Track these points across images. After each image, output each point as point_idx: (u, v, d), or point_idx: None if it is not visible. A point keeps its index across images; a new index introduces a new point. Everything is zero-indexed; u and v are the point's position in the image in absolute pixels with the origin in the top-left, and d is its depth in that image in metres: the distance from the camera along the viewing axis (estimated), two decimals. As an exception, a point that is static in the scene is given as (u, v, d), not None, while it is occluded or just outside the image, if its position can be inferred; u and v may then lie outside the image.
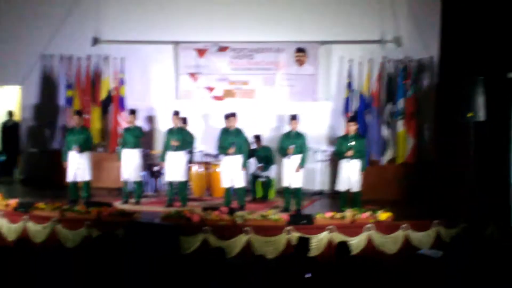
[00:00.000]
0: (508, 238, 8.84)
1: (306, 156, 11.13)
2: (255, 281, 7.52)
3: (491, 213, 9.56)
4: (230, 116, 11.23)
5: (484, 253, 8.56)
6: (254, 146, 12.52)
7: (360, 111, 12.87)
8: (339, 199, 11.13)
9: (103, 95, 13.76)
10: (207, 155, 13.20)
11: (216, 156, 12.77)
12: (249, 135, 12.10)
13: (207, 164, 12.67)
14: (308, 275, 7.38)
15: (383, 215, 9.48)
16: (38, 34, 13.96)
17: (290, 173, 10.99)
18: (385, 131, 12.76)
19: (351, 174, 10.85)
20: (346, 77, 13.10)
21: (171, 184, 11.46)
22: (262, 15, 13.46)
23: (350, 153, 10.82)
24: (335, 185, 11.27)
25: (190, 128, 12.34)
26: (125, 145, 11.70)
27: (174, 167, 11.33)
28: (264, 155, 12.43)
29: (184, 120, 12.16)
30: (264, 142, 12.74)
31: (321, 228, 9.14)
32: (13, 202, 10.23)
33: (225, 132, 11.21)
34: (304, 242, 8.00)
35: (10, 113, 15.13)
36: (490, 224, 9.33)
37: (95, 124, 13.71)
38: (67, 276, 7.67)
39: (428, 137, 12.71)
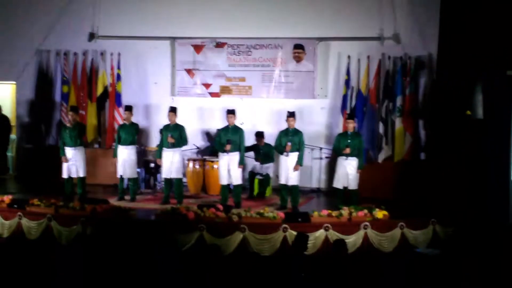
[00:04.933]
0: (507, 236, 8.76)
1: (303, 153, 11.05)
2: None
3: (489, 211, 9.50)
4: (228, 113, 11.22)
5: (481, 251, 8.54)
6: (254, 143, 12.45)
7: (358, 109, 12.78)
8: (336, 197, 11.07)
9: (99, 91, 13.66)
10: (202, 152, 13.14)
11: (210, 154, 12.70)
12: (250, 132, 12.12)
13: (203, 161, 12.58)
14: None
15: (380, 213, 9.43)
16: (34, 30, 13.89)
17: (287, 171, 10.92)
18: (383, 129, 12.67)
19: (348, 171, 10.80)
20: (344, 74, 13.02)
21: (167, 181, 11.39)
22: (260, 12, 13.36)
23: (348, 150, 10.76)
24: (332, 182, 11.20)
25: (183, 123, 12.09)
26: (120, 141, 11.62)
27: (171, 164, 11.26)
28: (266, 151, 12.32)
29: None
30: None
31: (317, 226, 9.09)
32: (8, 198, 10.15)
33: (224, 129, 11.23)
34: (302, 239, 7.93)
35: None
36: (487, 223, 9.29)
37: (91, 120, 13.61)
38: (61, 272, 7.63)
39: (426, 135, 12.62)
